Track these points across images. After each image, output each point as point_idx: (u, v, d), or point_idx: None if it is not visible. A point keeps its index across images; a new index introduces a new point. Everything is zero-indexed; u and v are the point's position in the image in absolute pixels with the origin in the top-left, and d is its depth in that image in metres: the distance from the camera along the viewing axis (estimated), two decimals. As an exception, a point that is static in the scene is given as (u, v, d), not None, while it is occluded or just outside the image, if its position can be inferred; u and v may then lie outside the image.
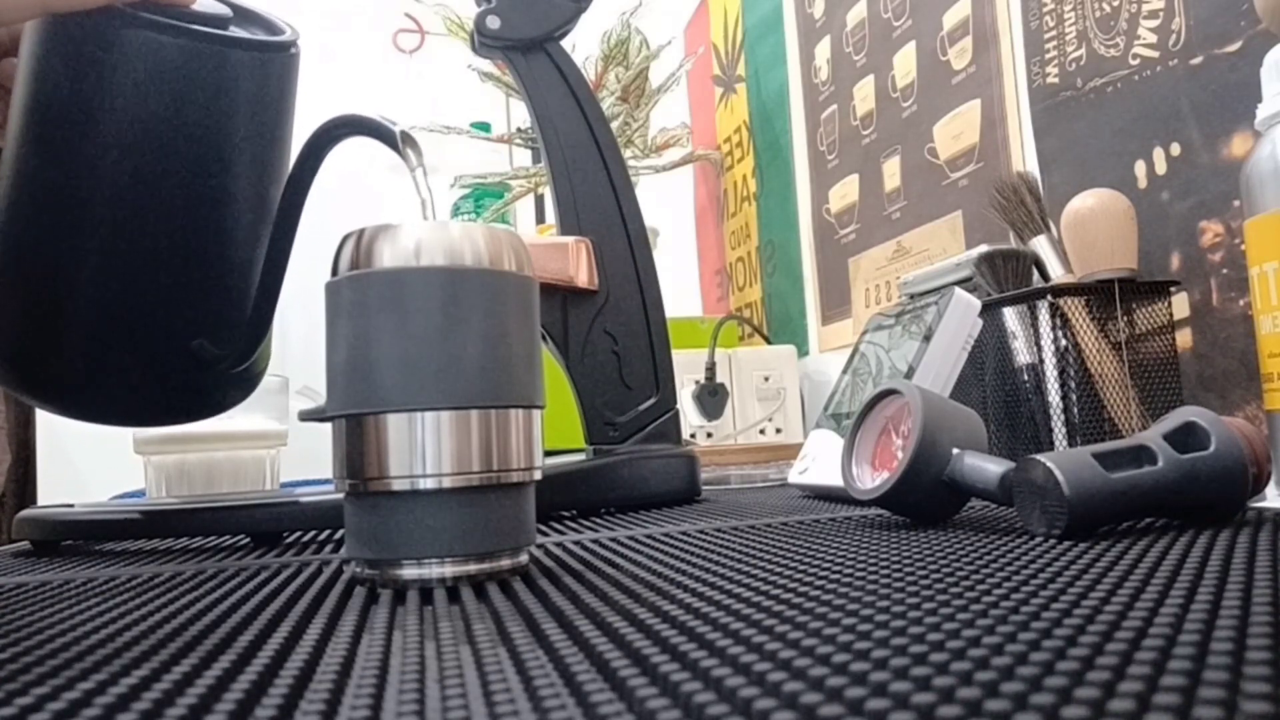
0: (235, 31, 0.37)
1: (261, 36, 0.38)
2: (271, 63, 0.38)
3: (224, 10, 0.38)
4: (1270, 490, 0.39)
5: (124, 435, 0.66)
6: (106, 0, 0.34)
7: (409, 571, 0.31)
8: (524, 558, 0.33)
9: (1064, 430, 0.60)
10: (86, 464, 1.40)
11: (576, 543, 0.42)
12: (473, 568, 0.31)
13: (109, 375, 0.38)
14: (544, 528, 0.51)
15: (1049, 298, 0.60)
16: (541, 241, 0.66)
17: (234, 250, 0.38)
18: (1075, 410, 0.59)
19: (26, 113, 0.36)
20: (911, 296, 0.74)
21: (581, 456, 0.63)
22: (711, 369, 1.07)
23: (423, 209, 0.33)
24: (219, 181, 0.37)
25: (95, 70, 0.35)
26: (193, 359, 0.38)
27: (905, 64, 1.01)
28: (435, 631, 0.24)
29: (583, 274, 0.64)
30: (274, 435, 0.67)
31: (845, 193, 1.16)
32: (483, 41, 0.67)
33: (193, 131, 0.36)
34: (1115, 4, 0.69)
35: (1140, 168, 0.67)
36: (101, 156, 0.35)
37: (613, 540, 0.42)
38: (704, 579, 0.29)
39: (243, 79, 0.37)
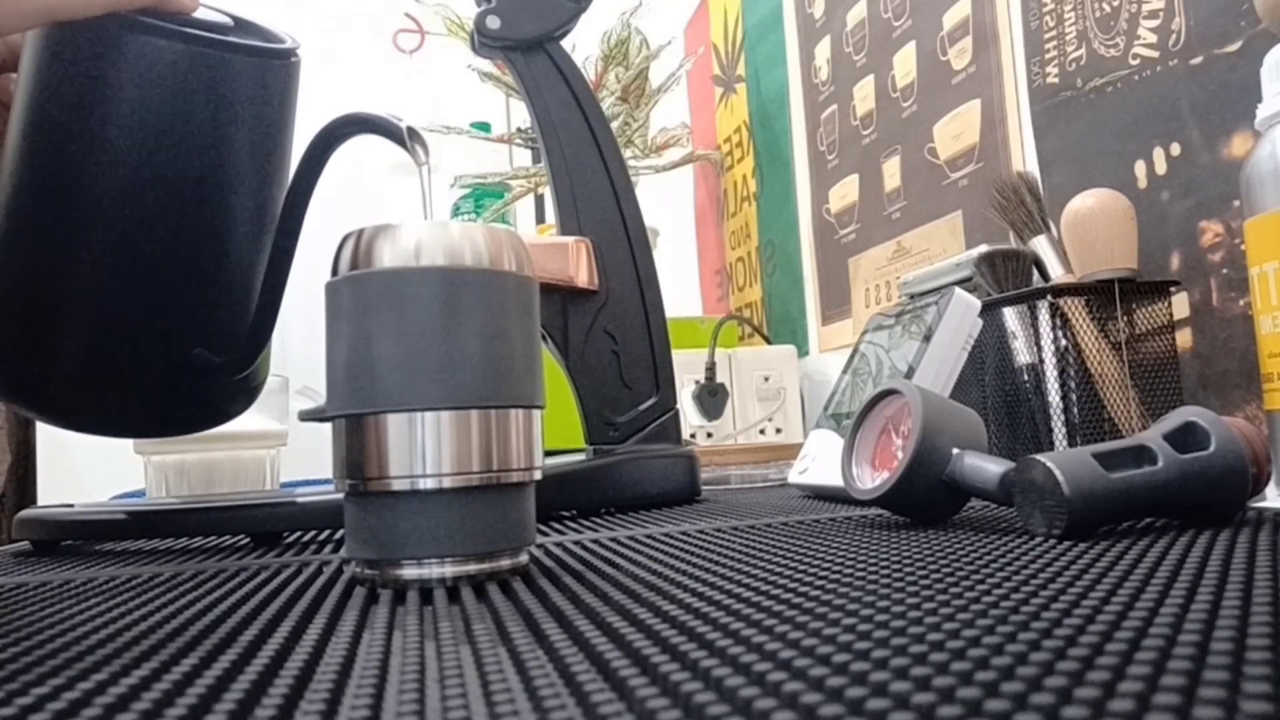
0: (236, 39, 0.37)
1: (263, 44, 0.38)
2: (272, 69, 0.38)
3: (224, 20, 0.38)
4: (1270, 490, 0.39)
5: (124, 435, 0.66)
6: (109, 6, 0.34)
7: (409, 571, 0.31)
8: (524, 558, 0.33)
9: (1064, 430, 0.60)
10: (86, 464, 1.40)
11: (576, 543, 0.42)
12: (473, 568, 0.31)
13: (106, 386, 0.38)
14: (544, 528, 0.51)
15: (1049, 298, 0.60)
16: (541, 241, 0.66)
17: (234, 257, 0.38)
18: (1075, 410, 0.59)
19: (27, 120, 0.36)
20: (911, 296, 0.74)
21: (581, 456, 0.63)
22: (711, 369, 1.07)
23: (424, 204, 0.33)
24: (219, 188, 0.37)
25: (97, 76, 0.35)
26: (192, 369, 0.38)
27: (905, 64, 1.01)
28: (435, 631, 0.24)
29: (583, 274, 0.64)
30: (274, 435, 0.67)
31: (845, 193, 1.16)
32: (483, 41, 0.67)
33: (193, 137, 0.36)
34: (1115, 4, 0.69)
35: (1140, 168, 0.67)
36: (101, 163, 0.35)
37: (613, 540, 0.42)
38: (704, 579, 0.29)
39: (244, 84, 0.37)
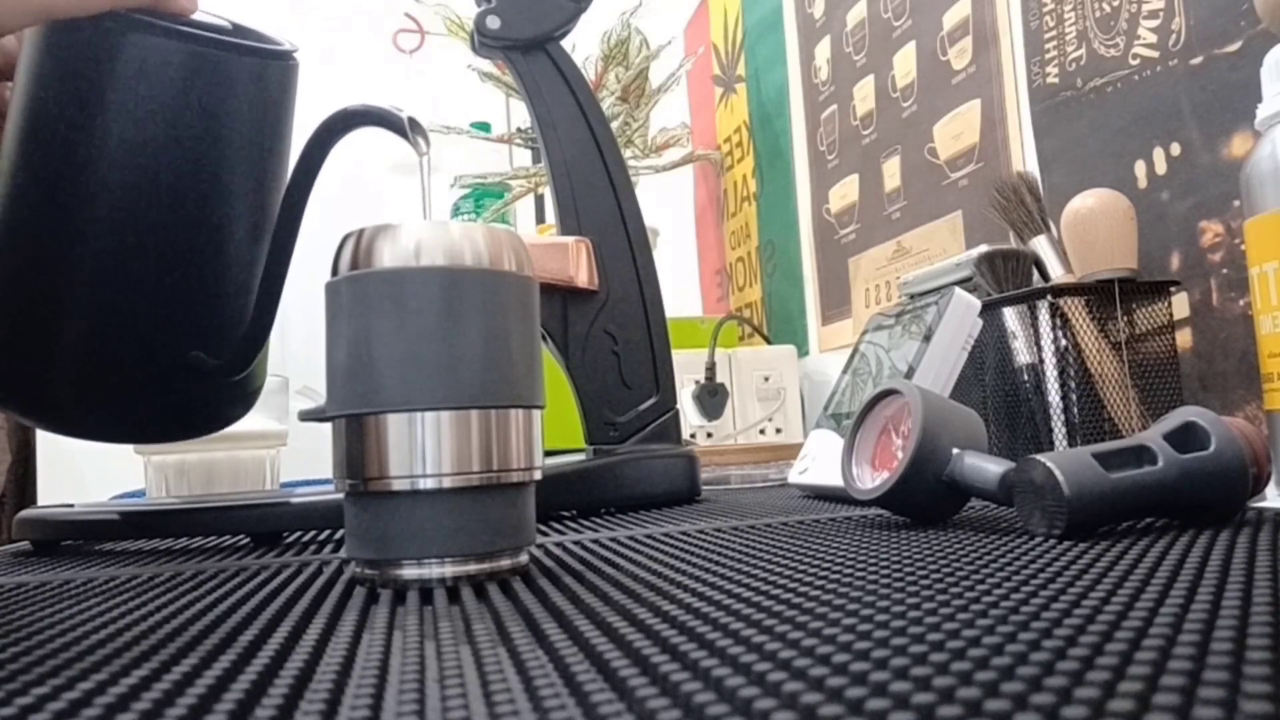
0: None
1: (261, 45, 0.38)
2: (271, 69, 0.38)
3: (223, 23, 0.38)
4: (1270, 490, 0.39)
5: (124, 435, 0.65)
6: (108, 5, 0.34)
7: (409, 571, 0.31)
8: (524, 558, 0.33)
9: (1064, 430, 0.60)
10: (86, 464, 1.40)
11: (576, 543, 0.42)
12: (473, 568, 0.31)
13: (103, 391, 0.37)
14: (544, 528, 0.51)
15: (1049, 298, 0.60)
16: (541, 241, 0.66)
17: (232, 257, 0.38)
18: (1075, 410, 0.59)
19: (25, 120, 0.35)
20: (911, 296, 0.74)
21: (581, 456, 0.63)
22: (711, 369, 1.07)
23: (423, 194, 0.33)
24: (217, 188, 0.37)
25: (95, 75, 0.34)
26: (189, 371, 0.37)
27: (905, 64, 1.01)
28: (435, 631, 0.24)
29: (583, 274, 0.64)
30: (274, 435, 0.67)
31: (845, 193, 1.16)
32: (483, 41, 0.67)
33: (192, 137, 0.36)
34: (1115, 4, 0.69)
35: (1140, 168, 0.67)
36: (99, 164, 0.35)
37: (613, 540, 0.42)
38: (704, 579, 0.29)
39: (243, 85, 0.37)
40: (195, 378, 0.38)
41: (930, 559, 0.31)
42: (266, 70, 0.38)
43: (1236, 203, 0.59)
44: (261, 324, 0.38)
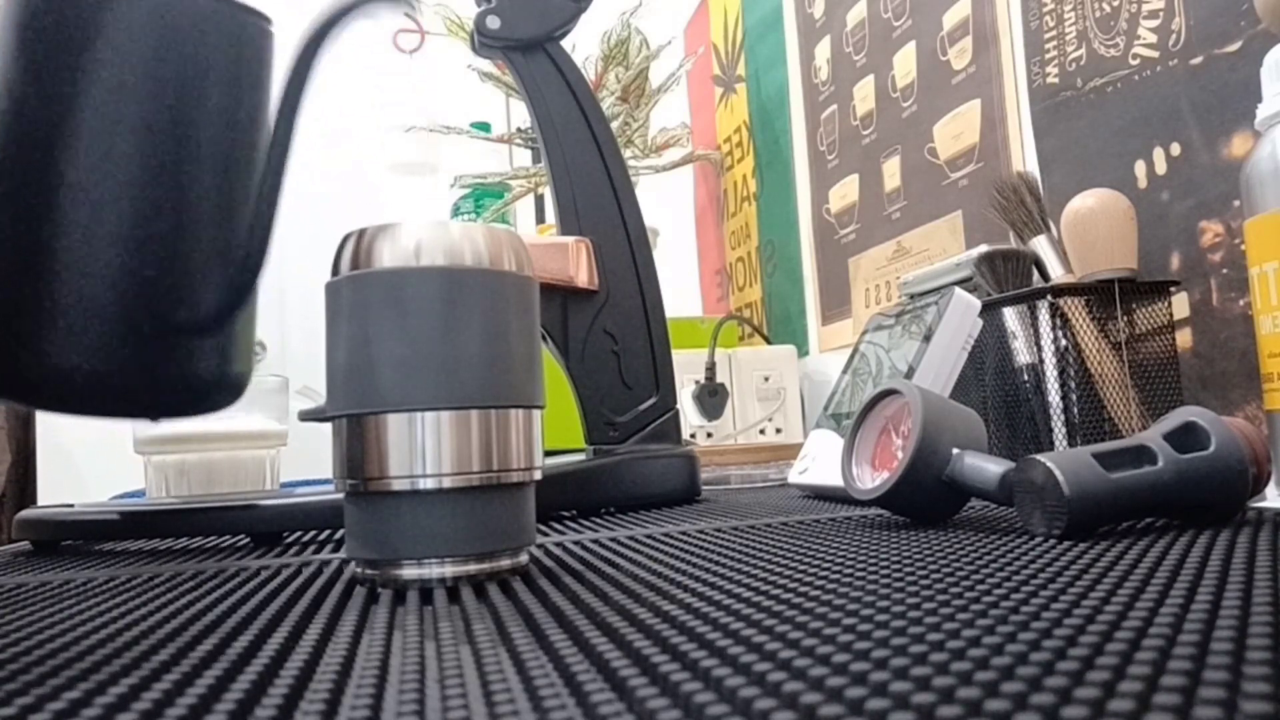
0: None
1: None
2: (249, 28, 0.38)
3: None
4: (1270, 490, 0.39)
5: (124, 435, 0.66)
6: None
7: (409, 571, 0.31)
8: (524, 558, 0.33)
9: (1064, 430, 0.60)
10: (86, 464, 1.40)
11: (576, 543, 0.42)
12: (473, 568, 0.31)
13: (83, 360, 0.36)
14: (544, 528, 0.51)
15: (1049, 298, 0.60)
16: (541, 241, 0.66)
17: (213, 207, 0.37)
18: (1075, 410, 0.59)
19: (4, 78, 0.35)
20: (911, 296, 0.74)
21: (581, 456, 0.63)
22: (711, 369, 1.07)
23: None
24: (194, 137, 0.36)
25: (80, 25, 0.34)
26: (176, 329, 0.36)
27: (905, 64, 1.01)
28: (435, 631, 0.24)
29: (583, 274, 0.64)
30: (274, 435, 0.67)
31: (845, 193, 1.16)
32: (483, 41, 0.67)
33: (168, 86, 0.35)
34: (1115, 4, 0.69)
35: (1140, 168, 0.67)
36: (72, 118, 0.34)
37: (613, 540, 0.42)
38: (704, 579, 0.29)
39: (219, 35, 0.37)
40: (192, 325, 0.36)
41: (930, 559, 0.31)
42: (243, 28, 0.37)
43: (1236, 203, 0.59)
44: (258, 245, 0.36)
